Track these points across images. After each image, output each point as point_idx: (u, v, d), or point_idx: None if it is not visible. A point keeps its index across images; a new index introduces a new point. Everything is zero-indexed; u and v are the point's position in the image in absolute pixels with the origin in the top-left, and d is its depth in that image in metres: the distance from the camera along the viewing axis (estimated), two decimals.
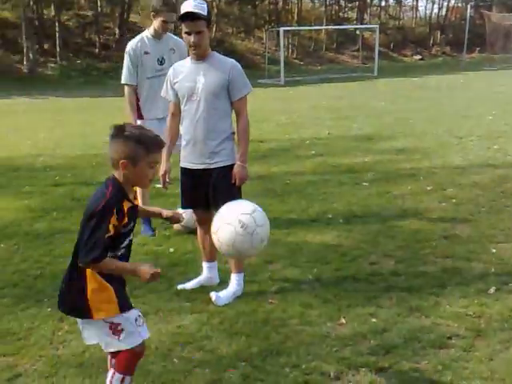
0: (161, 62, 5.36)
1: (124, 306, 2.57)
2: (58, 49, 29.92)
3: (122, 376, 2.61)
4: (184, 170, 4.08)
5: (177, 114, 4.07)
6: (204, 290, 4.05)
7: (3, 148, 10.82)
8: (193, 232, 4.87)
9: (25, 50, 28.56)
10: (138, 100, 5.47)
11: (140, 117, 5.48)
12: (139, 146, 2.45)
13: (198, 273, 4.31)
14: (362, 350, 3.26)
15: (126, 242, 2.59)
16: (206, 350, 3.29)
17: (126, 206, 2.50)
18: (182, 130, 4.06)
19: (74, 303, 2.58)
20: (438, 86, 21.38)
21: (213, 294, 3.95)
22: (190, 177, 4.05)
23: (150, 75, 5.34)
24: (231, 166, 3.95)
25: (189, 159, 4.02)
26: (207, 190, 3.99)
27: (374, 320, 3.63)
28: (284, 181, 7.41)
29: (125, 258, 2.61)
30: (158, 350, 3.35)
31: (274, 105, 16.72)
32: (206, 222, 4.21)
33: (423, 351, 3.24)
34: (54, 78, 28.05)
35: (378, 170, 7.97)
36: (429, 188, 6.84)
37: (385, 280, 4.23)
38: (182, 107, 3.99)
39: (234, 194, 4.00)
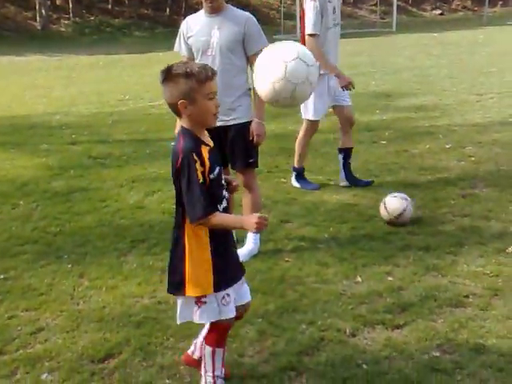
0: (334, 10, 5.09)
1: (221, 284, 2.42)
2: (70, 5, 29.58)
3: (211, 349, 2.55)
4: None
5: None
6: None
7: (19, 106, 10.84)
8: None
9: (37, 7, 28.28)
10: None
11: None
12: (190, 79, 2.29)
13: None
14: (378, 308, 3.28)
15: (223, 192, 2.46)
16: None
17: (205, 150, 2.34)
18: None
19: (173, 273, 2.46)
20: (459, 41, 20.84)
21: None
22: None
23: (331, 25, 5.06)
24: (248, 123, 3.91)
25: None
26: (224, 147, 3.96)
27: (390, 278, 3.64)
28: None
29: (228, 211, 2.50)
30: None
31: None
32: None
33: (439, 309, 3.24)
34: (68, 34, 27.85)
35: (396, 127, 7.87)
36: (448, 146, 6.74)
37: (401, 239, 4.22)
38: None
39: (251, 151, 3.98)
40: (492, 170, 5.77)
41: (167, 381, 2.73)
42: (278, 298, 3.45)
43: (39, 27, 28.14)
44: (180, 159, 2.30)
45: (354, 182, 5.51)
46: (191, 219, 2.32)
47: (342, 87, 5.21)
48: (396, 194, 4.57)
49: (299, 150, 5.62)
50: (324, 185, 5.57)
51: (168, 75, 2.33)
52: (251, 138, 3.89)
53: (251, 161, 4.01)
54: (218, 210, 2.38)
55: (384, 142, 7.07)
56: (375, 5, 38.46)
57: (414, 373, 2.69)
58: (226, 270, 2.47)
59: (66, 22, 29.31)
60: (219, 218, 2.34)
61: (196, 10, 3.96)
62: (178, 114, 2.38)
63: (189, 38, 3.89)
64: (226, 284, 2.46)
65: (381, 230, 4.40)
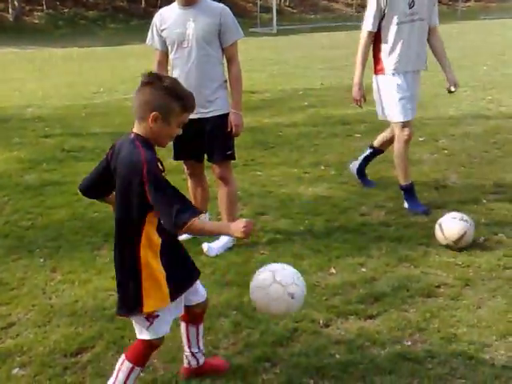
0: (411, 4, 4.46)
1: (176, 292, 2.31)
2: None
3: (131, 365, 2.36)
4: None
5: (164, 64, 3.97)
6: (196, 240, 4.06)
7: None
8: None
9: None
10: (376, 51, 4.79)
11: (380, 71, 4.77)
12: (178, 101, 2.20)
13: None
14: (351, 299, 3.31)
15: None
16: None
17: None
18: None
19: (126, 295, 2.29)
20: None
21: (205, 245, 3.97)
22: (183, 128, 3.96)
23: (404, 20, 4.50)
24: (226, 115, 3.90)
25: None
26: (201, 140, 3.94)
27: (363, 270, 3.67)
28: (276, 132, 7.36)
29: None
30: None
31: (266, 54, 16.45)
32: (197, 174, 4.21)
33: (411, 299, 3.29)
34: (41, 26, 27.39)
35: (370, 121, 7.88)
36: (421, 139, 6.81)
37: (375, 230, 4.26)
38: (171, 56, 3.89)
39: (229, 143, 3.97)
40: (464, 162, 5.86)
41: (141, 374, 2.71)
42: None
43: (11, 19, 27.62)
44: (145, 170, 2.13)
45: (361, 176, 5.31)
46: (175, 226, 2.13)
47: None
48: (455, 215, 3.95)
49: (401, 164, 4.72)
50: (299, 178, 5.58)
51: (156, 83, 2.20)
52: (229, 129, 3.88)
53: (229, 153, 4.00)
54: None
55: (359, 135, 7.12)
56: None
57: (386, 362, 2.73)
58: (181, 276, 2.37)
59: (39, 13, 28.81)
60: (204, 224, 2.25)
61: (171, 2, 3.91)
62: (143, 121, 2.25)
63: (163, 30, 3.85)
64: (182, 290, 2.38)
65: (355, 222, 4.43)
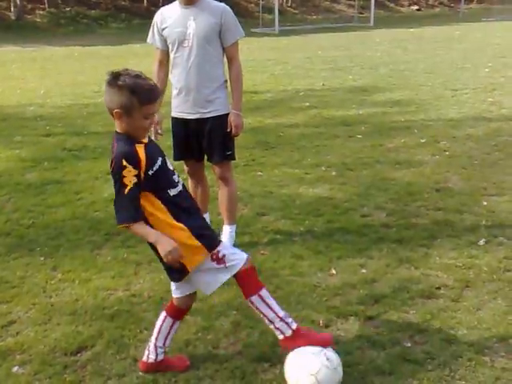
0: None
1: (212, 243, 2.53)
2: None
3: (256, 295, 2.58)
4: (176, 121, 3.99)
5: (165, 63, 3.96)
6: None
7: None
8: None
9: None
10: None
11: None
12: (133, 96, 2.33)
13: None
14: (351, 300, 3.31)
15: (174, 177, 2.51)
16: (198, 300, 3.32)
17: (140, 148, 2.38)
18: (172, 78, 3.95)
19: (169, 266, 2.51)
20: (435, 37, 21.04)
21: None
22: (182, 127, 3.97)
23: None
24: (225, 116, 3.89)
25: (181, 109, 3.93)
26: (201, 140, 3.94)
27: (363, 271, 3.67)
28: (277, 133, 7.36)
29: (185, 198, 2.55)
30: (151, 298, 3.39)
31: (267, 55, 16.44)
32: (197, 174, 4.20)
33: (412, 301, 3.29)
34: (43, 25, 27.38)
35: (372, 122, 7.92)
36: (422, 141, 6.82)
37: (376, 232, 4.26)
38: (171, 55, 3.88)
39: (228, 143, 3.97)
40: (465, 164, 5.86)
41: (140, 373, 2.72)
42: None
43: (14, 17, 27.61)
44: (113, 164, 2.36)
45: None
46: (117, 222, 2.40)
47: None
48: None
49: None
50: (300, 178, 5.58)
51: (113, 82, 2.37)
52: (229, 130, 3.88)
53: (229, 153, 3.99)
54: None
55: (360, 137, 7.12)
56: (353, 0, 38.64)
57: (386, 363, 2.73)
58: (209, 234, 2.57)
59: (42, 12, 28.79)
60: (141, 229, 2.40)
61: (173, 1, 3.90)
62: (113, 118, 2.41)
63: (163, 29, 3.84)
64: (216, 242, 2.55)
65: (355, 223, 4.43)
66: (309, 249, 4.00)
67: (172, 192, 2.48)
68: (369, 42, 20.21)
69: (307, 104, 9.27)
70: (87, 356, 2.86)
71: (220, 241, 2.62)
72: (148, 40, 3.98)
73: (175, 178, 2.53)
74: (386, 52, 16.46)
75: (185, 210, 2.52)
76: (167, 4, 3.95)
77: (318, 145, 6.75)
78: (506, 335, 2.93)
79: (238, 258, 2.55)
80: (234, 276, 2.57)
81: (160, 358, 2.73)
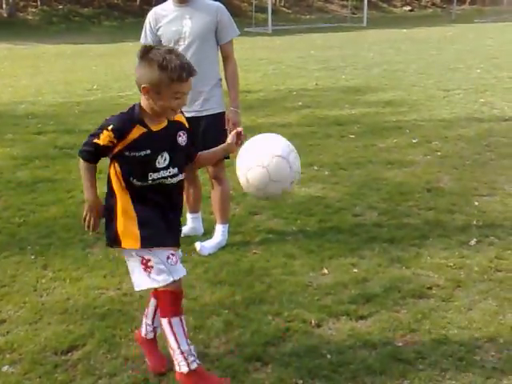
0: None
1: (148, 241, 2.44)
2: None
3: (167, 319, 2.50)
4: None
5: None
6: (188, 240, 4.06)
7: None
8: None
9: None
10: None
11: None
12: (162, 72, 2.26)
13: (182, 223, 4.30)
14: (343, 299, 3.31)
15: (154, 175, 2.44)
16: (190, 299, 3.32)
17: (138, 131, 2.38)
18: None
19: (108, 228, 2.52)
20: (427, 37, 21.12)
21: (197, 244, 3.97)
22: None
23: None
24: (220, 114, 3.89)
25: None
26: (196, 138, 3.92)
27: (355, 270, 3.68)
28: (270, 132, 7.34)
29: (158, 194, 2.48)
30: (143, 298, 3.37)
31: (261, 54, 16.44)
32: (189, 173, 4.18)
33: (403, 301, 3.29)
34: (35, 23, 27.24)
35: (364, 122, 7.94)
36: (414, 141, 6.84)
37: (367, 231, 4.27)
38: None
39: (222, 142, 3.95)
40: (457, 165, 5.88)
41: (131, 372, 2.71)
42: (245, 289, 3.45)
43: (5, 15, 27.45)
44: (105, 120, 2.41)
45: None
46: (79, 151, 2.50)
47: None
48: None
49: None
50: None
51: (144, 56, 2.32)
52: (226, 127, 3.87)
53: None
54: (143, 185, 2.44)
55: (352, 136, 7.13)
56: (346, 0, 38.70)
57: (377, 362, 2.73)
58: (155, 231, 2.47)
59: (34, 10, 28.64)
60: (86, 173, 2.49)
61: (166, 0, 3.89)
62: (140, 93, 2.38)
63: (158, 29, 3.82)
64: (155, 243, 2.45)
65: (347, 223, 4.44)
66: (301, 248, 4.01)
67: (140, 183, 2.44)
68: (362, 42, 20.25)
69: (300, 103, 9.28)
70: (78, 355, 2.84)
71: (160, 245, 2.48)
72: (141, 40, 3.96)
73: (156, 174, 2.45)
74: (379, 52, 16.50)
75: (149, 201, 2.47)
76: (160, 3, 3.93)
77: (310, 144, 6.75)
78: (497, 335, 2.95)
79: (162, 279, 2.45)
80: (156, 289, 2.54)
81: (150, 336, 2.78)
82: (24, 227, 4.46)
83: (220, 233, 4.10)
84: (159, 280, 2.46)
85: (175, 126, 2.54)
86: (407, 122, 7.85)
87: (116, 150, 2.40)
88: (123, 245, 2.48)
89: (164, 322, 2.52)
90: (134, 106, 2.45)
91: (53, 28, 26.41)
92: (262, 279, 3.56)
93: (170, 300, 2.51)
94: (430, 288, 3.44)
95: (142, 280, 2.50)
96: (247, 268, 3.73)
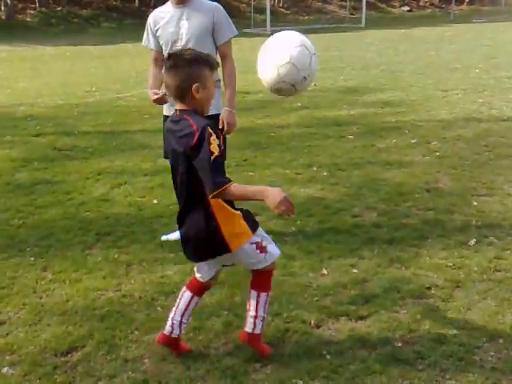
0: None
1: (253, 224, 2.65)
2: None
3: (266, 294, 2.76)
4: (167, 119, 3.97)
5: (159, 61, 3.94)
6: None
7: None
8: None
9: None
10: None
11: None
12: (204, 66, 2.43)
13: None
14: (343, 300, 3.32)
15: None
16: None
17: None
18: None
19: (211, 244, 2.58)
20: (426, 38, 21.14)
21: None
22: None
23: None
24: (217, 116, 3.89)
25: (174, 107, 3.90)
26: None
27: (354, 271, 3.68)
28: (269, 133, 7.36)
29: None
30: (142, 299, 3.38)
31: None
32: None
33: (402, 301, 3.30)
34: (34, 25, 27.24)
35: (363, 122, 7.95)
36: (413, 141, 6.84)
37: (367, 232, 4.27)
38: (165, 54, 3.86)
39: None
40: (456, 165, 5.88)
41: (131, 374, 2.71)
42: (245, 290, 3.41)
43: (4, 17, 27.45)
44: (197, 136, 2.33)
45: None
46: (212, 189, 2.35)
47: None
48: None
49: None
50: (292, 179, 5.59)
51: (178, 60, 2.41)
52: (221, 127, 3.87)
53: None
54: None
55: (351, 137, 7.13)
56: (345, 0, 38.71)
57: (376, 363, 2.73)
58: (252, 217, 2.71)
59: (32, 11, 28.64)
60: (240, 188, 2.41)
61: (165, 2, 3.90)
62: (184, 97, 2.44)
63: (157, 30, 3.83)
64: (256, 224, 2.68)
65: (347, 224, 4.44)
66: (300, 249, 4.01)
67: None
68: (360, 42, 20.27)
69: (299, 104, 9.28)
70: (77, 357, 2.84)
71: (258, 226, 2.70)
72: (143, 42, 3.97)
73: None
74: (377, 53, 16.52)
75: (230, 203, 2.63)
76: (159, 4, 3.94)
77: (309, 145, 6.76)
78: (496, 335, 2.95)
79: (276, 252, 2.72)
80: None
81: (176, 333, 2.81)
82: (23, 229, 4.46)
83: None
84: (272, 256, 2.69)
85: None
86: (406, 122, 7.85)
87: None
88: (236, 244, 2.57)
89: (263, 296, 2.75)
90: (186, 112, 2.46)
91: (51, 30, 26.42)
92: None
93: (271, 276, 2.78)
94: (429, 288, 3.44)
95: (257, 262, 2.66)
96: (246, 270, 3.72)
